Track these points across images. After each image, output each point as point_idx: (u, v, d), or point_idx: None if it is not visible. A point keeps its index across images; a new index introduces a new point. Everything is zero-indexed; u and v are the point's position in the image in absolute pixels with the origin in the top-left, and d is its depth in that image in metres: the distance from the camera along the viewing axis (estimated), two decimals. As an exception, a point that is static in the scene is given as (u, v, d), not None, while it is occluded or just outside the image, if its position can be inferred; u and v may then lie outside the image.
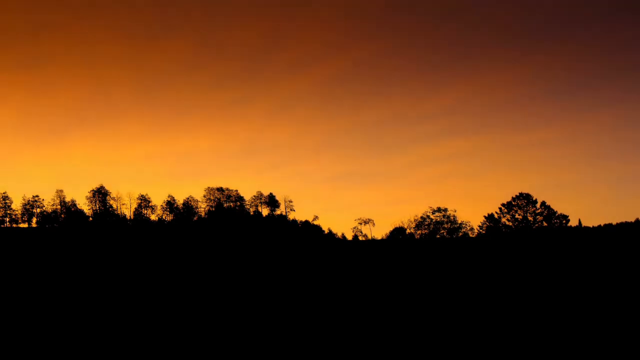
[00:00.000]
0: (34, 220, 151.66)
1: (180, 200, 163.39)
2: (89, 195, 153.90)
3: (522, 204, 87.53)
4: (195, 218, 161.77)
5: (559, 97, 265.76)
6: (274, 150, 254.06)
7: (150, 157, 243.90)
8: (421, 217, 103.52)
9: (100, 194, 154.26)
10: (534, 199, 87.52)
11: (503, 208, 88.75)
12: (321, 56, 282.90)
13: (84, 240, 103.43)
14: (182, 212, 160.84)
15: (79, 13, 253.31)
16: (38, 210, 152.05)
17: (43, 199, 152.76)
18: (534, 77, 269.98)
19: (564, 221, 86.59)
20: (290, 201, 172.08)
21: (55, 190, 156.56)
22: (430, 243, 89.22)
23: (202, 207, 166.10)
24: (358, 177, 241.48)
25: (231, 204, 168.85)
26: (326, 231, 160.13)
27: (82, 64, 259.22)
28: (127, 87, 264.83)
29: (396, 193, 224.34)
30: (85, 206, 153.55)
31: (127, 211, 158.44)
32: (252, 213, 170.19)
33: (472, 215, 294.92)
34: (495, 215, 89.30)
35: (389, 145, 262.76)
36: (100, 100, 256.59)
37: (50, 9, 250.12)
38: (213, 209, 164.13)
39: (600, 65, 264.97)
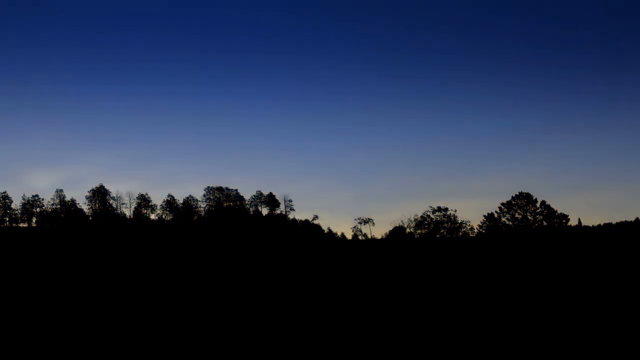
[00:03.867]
0: (34, 219, 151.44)
1: (180, 199, 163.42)
2: (88, 194, 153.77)
3: (522, 204, 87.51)
4: (195, 217, 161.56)
5: (559, 97, 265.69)
6: (274, 149, 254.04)
7: (150, 156, 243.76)
8: (421, 217, 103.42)
9: (100, 194, 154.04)
10: (533, 198, 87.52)
11: (503, 207, 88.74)
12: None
13: (84, 239, 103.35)
14: (182, 211, 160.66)
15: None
16: (38, 209, 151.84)
17: (43, 199, 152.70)
18: (535, 77, 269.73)
19: (563, 220, 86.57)
20: (290, 201, 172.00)
21: (55, 190, 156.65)
22: (430, 242, 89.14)
23: (202, 207, 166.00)
24: (358, 176, 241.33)
25: (231, 203, 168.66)
26: (326, 230, 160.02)
27: (82, 64, 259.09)
28: (127, 85, 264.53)
29: (396, 192, 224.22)
30: (85, 206, 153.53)
31: (127, 211, 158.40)
32: (252, 213, 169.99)
33: (472, 214, 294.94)
34: (495, 215, 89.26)
35: (389, 144, 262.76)
36: (101, 99, 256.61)
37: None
38: (213, 209, 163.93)
39: (600, 65, 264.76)
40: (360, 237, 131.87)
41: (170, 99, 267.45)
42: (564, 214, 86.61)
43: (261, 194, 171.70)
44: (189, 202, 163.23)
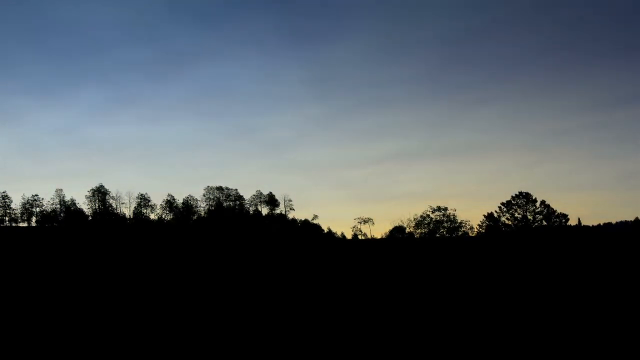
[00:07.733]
0: (34, 219, 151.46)
1: (179, 199, 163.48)
2: (88, 194, 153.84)
3: (521, 203, 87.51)
4: (194, 217, 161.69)
5: (559, 96, 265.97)
6: (274, 148, 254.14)
7: (150, 156, 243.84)
8: (421, 216, 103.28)
9: (99, 193, 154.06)
10: (533, 197, 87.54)
11: (503, 207, 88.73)
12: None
13: (84, 239, 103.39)
14: (181, 211, 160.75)
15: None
16: (37, 209, 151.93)
17: (42, 198, 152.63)
18: (534, 76, 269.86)
19: (563, 220, 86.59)
20: (290, 200, 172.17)
21: (54, 190, 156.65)
22: (430, 242, 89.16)
23: (202, 207, 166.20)
24: (358, 176, 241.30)
25: (231, 203, 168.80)
26: (326, 230, 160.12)
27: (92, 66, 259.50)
28: (128, 84, 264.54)
29: (396, 192, 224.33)
30: (84, 205, 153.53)
31: (127, 210, 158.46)
32: (251, 212, 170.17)
33: (471, 214, 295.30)
34: (495, 214, 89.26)
35: (388, 143, 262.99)
36: (102, 98, 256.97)
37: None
38: (213, 208, 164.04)
39: (601, 65, 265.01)
40: (360, 237, 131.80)
41: (169, 98, 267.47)
42: (563, 214, 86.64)
43: (261, 193, 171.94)
44: (189, 202, 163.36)
